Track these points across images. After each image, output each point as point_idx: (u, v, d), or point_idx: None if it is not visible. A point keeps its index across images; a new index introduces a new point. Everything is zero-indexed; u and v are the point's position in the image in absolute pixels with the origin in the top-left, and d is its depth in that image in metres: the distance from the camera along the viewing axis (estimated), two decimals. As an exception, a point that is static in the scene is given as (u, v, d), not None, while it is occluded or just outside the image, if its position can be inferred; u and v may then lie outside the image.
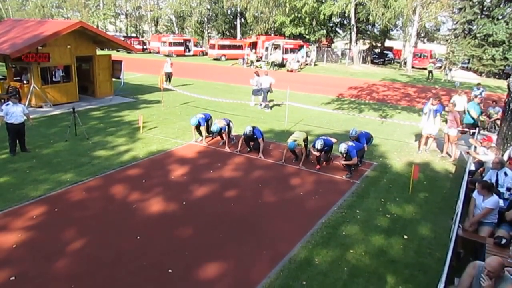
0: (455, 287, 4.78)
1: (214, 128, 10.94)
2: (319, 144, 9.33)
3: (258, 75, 17.00)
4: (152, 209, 7.37)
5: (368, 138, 10.30)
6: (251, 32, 52.92)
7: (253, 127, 10.42)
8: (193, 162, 9.84)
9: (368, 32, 50.04)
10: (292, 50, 37.90)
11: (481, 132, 11.78)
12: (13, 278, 5.32)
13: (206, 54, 46.08)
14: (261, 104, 16.78)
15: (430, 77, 32.45)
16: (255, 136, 10.28)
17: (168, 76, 20.33)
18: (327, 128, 13.58)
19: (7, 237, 6.25)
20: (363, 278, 5.63)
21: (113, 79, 18.06)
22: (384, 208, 7.82)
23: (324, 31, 49.02)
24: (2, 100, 15.51)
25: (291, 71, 33.93)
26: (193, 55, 45.67)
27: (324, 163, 9.93)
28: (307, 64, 38.98)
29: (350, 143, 9.27)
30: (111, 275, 5.46)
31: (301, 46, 39.09)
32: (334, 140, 10.00)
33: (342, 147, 9.09)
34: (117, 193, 7.99)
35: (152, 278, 5.42)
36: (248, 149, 10.71)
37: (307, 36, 47.16)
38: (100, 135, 11.77)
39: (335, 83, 27.00)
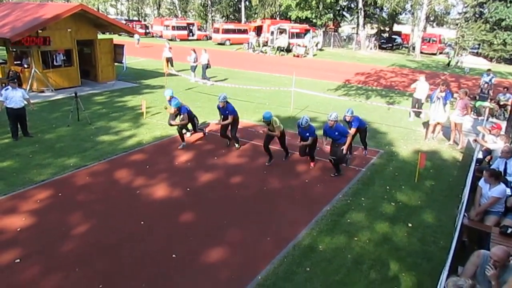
0: (458, 275, 4.73)
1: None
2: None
3: (195, 52, 18.40)
4: (156, 194, 7.34)
5: (363, 126, 9.41)
6: (256, 15, 52.31)
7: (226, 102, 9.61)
8: (198, 148, 9.78)
9: (376, 16, 49.22)
10: (298, 35, 37.44)
11: (490, 119, 11.56)
12: (18, 260, 5.33)
13: (210, 38, 45.67)
14: (204, 79, 17.87)
15: (449, 64, 31.97)
16: (226, 112, 9.56)
17: (169, 61, 20.16)
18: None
19: (12, 221, 6.27)
20: (366, 265, 5.60)
21: (116, 64, 17.91)
22: (390, 195, 7.74)
23: (331, 15, 48.36)
24: (3, 85, 15.48)
25: (297, 56, 33.59)
26: (197, 39, 45.28)
27: (312, 163, 9.03)
28: (318, 49, 38.46)
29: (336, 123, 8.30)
30: (115, 259, 5.46)
31: (307, 31, 38.61)
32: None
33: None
34: (121, 178, 7.96)
35: (156, 263, 5.41)
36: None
37: (314, 20, 46.53)
38: (103, 120, 11.72)
39: (342, 69, 26.69)
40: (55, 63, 15.59)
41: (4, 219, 6.33)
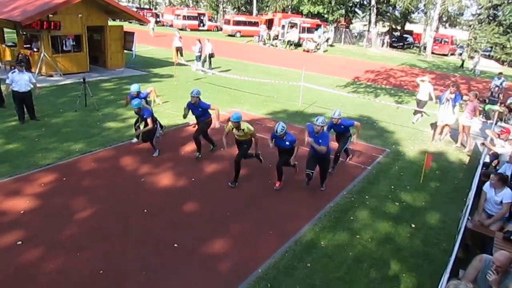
0: (459, 278, 4.70)
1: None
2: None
3: (200, 42, 18.40)
4: (160, 183, 7.35)
5: (348, 130, 8.35)
6: (267, 8, 51.99)
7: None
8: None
9: (388, 14, 48.78)
10: (309, 30, 37.18)
11: (499, 123, 11.43)
12: (20, 242, 5.37)
13: (221, 29, 45.53)
14: (203, 71, 18.24)
15: (462, 66, 31.64)
16: (199, 110, 8.38)
17: (179, 51, 20.13)
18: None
19: (15, 203, 6.31)
20: (367, 263, 5.59)
21: (125, 51, 17.89)
22: (394, 195, 7.70)
23: (343, 10, 47.96)
24: (12, 67, 15.54)
25: (307, 51, 33.39)
26: (207, 30, 45.12)
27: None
28: (329, 45, 38.16)
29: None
30: (117, 246, 5.48)
31: (318, 26, 38.33)
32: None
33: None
34: (127, 165, 7.98)
35: (158, 252, 5.42)
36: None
37: (325, 16, 46.18)
38: (110, 107, 11.73)
39: (352, 66, 26.51)
40: (64, 48, 15.62)
41: (8, 201, 6.37)
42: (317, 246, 5.89)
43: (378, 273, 5.43)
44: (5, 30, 16.63)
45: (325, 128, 7.35)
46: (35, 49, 15.16)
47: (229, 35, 41.43)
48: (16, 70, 9.79)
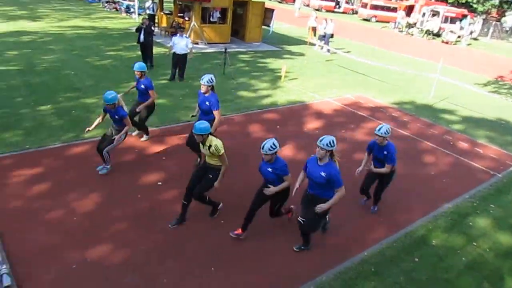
0: None
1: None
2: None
3: (326, 21, 18.41)
4: (282, 153, 7.82)
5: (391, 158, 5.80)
6: (410, -7, 48.58)
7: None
8: (328, 118, 10.01)
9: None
10: (453, 20, 33.94)
11: None
12: (160, 183, 6.39)
13: (356, 13, 44.13)
14: (322, 47, 18.53)
15: None
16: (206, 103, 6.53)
17: (313, 30, 20.30)
18: (475, 111, 12.28)
19: (159, 149, 7.45)
20: (480, 273, 5.34)
21: (263, 27, 18.80)
22: (526, 209, 7.04)
23: (497, 1, 42.40)
24: (166, 33, 17.57)
25: (446, 42, 30.69)
26: (343, 12, 44.18)
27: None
28: (472, 38, 34.55)
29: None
30: (238, 200, 6.08)
31: (464, 16, 34.72)
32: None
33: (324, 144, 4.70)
34: (254, 132, 8.69)
35: (279, 221, 5.88)
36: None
37: (474, 6, 41.42)
38: (244, 77, 12.66)
39: (497, 63, 23.70)
40: (211, 19, 17.12)
41: (154, 147, 7.54)
42: (428, 243, 5.80)
43: (492, 286, 5.16)
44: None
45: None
46: (186, 18, 16.92)
47: (364, 19, 40.02)
48: (178, 34, 11.25)
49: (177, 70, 11.50)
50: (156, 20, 18.55)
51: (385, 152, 5.65)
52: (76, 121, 8.32)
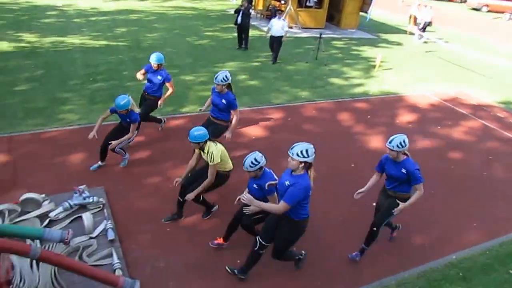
0: None
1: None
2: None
3: (422, 7, 17.68)
4: (371, 144, 7.64)
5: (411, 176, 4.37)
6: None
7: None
8: (422, 113, 9.45)
9: None
10: None
11: None
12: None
13: (465, 1, 40.44)
14: (422, 37, 17.28)
15: None
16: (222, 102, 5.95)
17: (415, 19, 19.08)
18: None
19: (251, 129, 7.68)
20: None
21: (360, 13, 18.12)
22: None
23: None
24: (262, 15, 17.79)
25: None
26: (449, 1, 40.79)
27: None
28: None
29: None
30: (321, 188, 6.07)
31: None
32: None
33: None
34: (342, 120, 8.54)
35: (356, 204, 5.77)
36: None
37: None
38: (337, 64, 12.41)
39: None
40: (307, 3, 16.92)
41: (246, 126, 7.77)
42: (527, 256, 5.28)
43: None
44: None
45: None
46: (283, 2, 16.94)
47: (473, 9, 36.54)
48: (276, 16, 11.43)
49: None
50: (253, 3, 18.87)
51: (403, 171, 4.29)
52: (175, 96, 8.87)
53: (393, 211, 4.40)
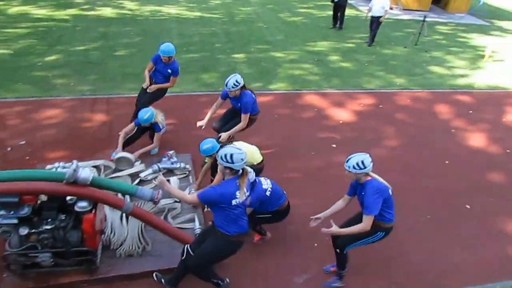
0: None
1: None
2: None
3: None
4: (468, 141, 6.95)
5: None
6: None
7: None
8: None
9: None
10: None
11: None
12: (334, 146, 6.34)
13: None
14: None
15: None
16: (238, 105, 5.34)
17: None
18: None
19: (338, 112, 7.41)
20: None
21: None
22: None
23: None
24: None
25: None
26: None
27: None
28: None
29: None
30: (409, 181, 5.71)
31: None
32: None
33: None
34: (440, 113, 7.84)
35: (446, 204, 5.36)
36: None
37: None
38: (439, 51, 11.39)
39: None
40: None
41: (333, 109, 7.52)
42: None
43: None
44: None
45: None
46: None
47: None
48: None
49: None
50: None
51: (363, 193, 3.51)
52: (264, 72, 8.88)
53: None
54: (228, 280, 3.69)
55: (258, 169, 4.47)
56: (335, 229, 3.48)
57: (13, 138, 5.78)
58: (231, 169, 3.20)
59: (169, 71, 5.86)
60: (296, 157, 5.96)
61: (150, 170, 5.01)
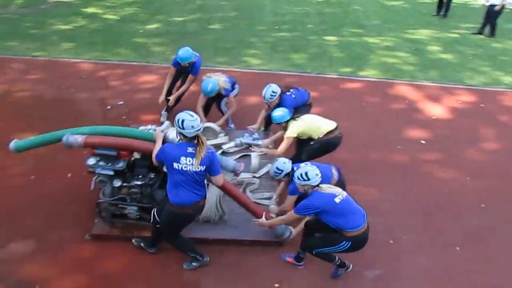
0: None
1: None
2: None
3: None
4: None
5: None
6: None
7: None
8: None
9: None
10: None
11: None
12: (423, 142, 5.89)
13: None
14: None
15: None
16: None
17: None
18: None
19: (432, 107, 6.89)
20: None
21: None
22: None
23: None
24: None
25: None
26: None
27: None
28: None
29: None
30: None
31: None
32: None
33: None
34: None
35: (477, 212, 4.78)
36: None
37: None
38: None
39: None
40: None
41: (426, 103, 7.00)
42: None
43: None
44: None
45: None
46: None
47: None
48: None
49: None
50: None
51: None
52: (355, 57, 8.56)
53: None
54: (208, 258, 3.68)
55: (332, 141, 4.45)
56: (263, 220, 3.66)
57: (113, 98, 6.27)
58: (183, 135, 3.09)
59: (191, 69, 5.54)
60: (380, 149, 5.68)
61: (232, 144, 5.11)
